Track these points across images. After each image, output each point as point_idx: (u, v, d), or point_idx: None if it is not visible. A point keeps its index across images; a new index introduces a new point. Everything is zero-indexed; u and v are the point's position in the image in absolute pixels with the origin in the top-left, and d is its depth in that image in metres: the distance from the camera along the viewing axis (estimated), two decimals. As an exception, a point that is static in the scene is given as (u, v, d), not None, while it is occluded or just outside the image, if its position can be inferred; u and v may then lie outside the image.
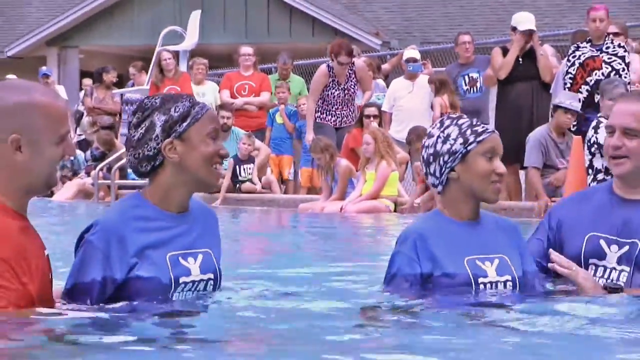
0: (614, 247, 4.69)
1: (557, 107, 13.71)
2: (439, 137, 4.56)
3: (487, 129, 4.56)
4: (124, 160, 18.23)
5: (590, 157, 12.40)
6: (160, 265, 4.18)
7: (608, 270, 4.69)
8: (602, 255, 4.72)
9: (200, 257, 4.32)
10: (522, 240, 4.80)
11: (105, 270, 4.11)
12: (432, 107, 15.48)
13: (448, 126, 4.58)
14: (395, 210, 14.29)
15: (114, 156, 18.68)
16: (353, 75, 15.93)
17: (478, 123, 4.59)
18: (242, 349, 3.61)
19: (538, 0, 25.78)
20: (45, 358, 3.56)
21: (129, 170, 18.81)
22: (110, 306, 4.12)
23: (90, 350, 3.60)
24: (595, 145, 12.28)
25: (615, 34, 13.75)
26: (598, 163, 12.30)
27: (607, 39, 13.42)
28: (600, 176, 12.34)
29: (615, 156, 4.70)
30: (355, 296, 4.86)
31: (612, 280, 4.64)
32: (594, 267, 4.73)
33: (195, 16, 22.46)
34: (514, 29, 14.71)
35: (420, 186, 14.07)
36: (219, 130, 4.33)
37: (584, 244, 4.76)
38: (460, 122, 4.58)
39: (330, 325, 4.04)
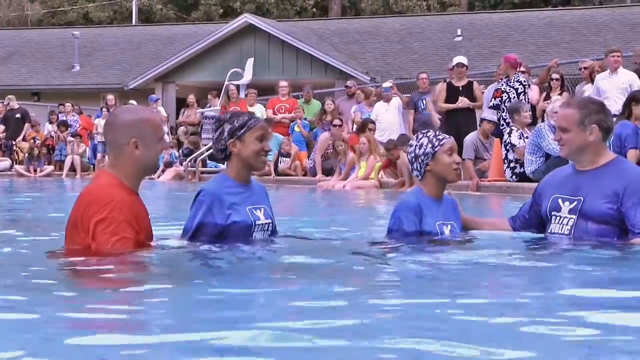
0: (567, 203, 4.69)
1: (482, 120, 13.73)
2: (416, 145, 4.75)
3: (446, 137, 4.76)
4: (204, 155, 18.28)
5: (505, 152, 12.37)
6: (245, 214, 4.44)
7: (561, 218, 4.71)
8: (558, 209, 4.72)
9: (262, 209, 4.56)
10: (459, 212, 4.94)
11: (208, 217, 4.38)
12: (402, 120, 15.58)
13: (421, 138, 4.76)
14: (380, 186, 14.27)
15: (198, 152, 18.67)
16: None
17: (439, 133, 4.78)
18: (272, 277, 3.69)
19: (471, 50, 25.72)
20: (157, 275, 3.70)
21: (208, 161, 18.91)
22: (202, 246, 4.30)
23: (184, 270, 3.76)
24: (509, 145, 12.25)
25: (522, 72, 13.69)
26: (511, 156, 12.27)
27: (515, 76, 13.26)
28: (512, 164, 12.30)
29: (560, 145, 4.78)
30: (361, 242, 4.97)
31: (562, 225, 4.68)
32: (554, 217, 4.75)
33: (250, 62, 22.46)
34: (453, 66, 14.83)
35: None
36: (266, 134, 4.57)
37: (549, 203, 4.78)
38: (428, 134, 4.78)
39: (342, 260, 4.09)
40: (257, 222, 4.48)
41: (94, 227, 3.83)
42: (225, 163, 4.63)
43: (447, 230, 4.74)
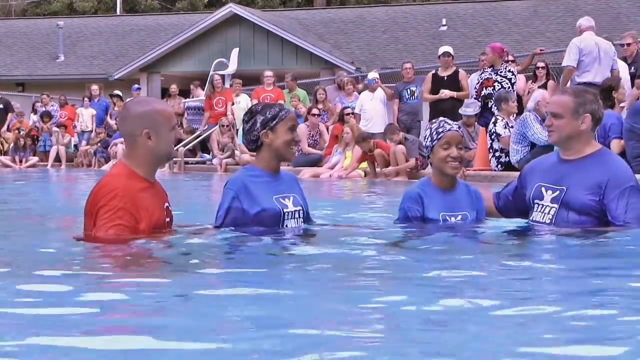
0: (549, 192, 4.71)
1: (462, 115, 13.78)
2: (424, 135, 4.86)
3: (446, 129, 4.74)
4: (189, 145, 18.23)
5: (490, 141, 12.39)
6: (272, 203, 4.53)
7: (543, 206, 4.74)
8: (541, 197, 4.75)
9: (291, 197, 4.64)
10: (480, 202, 4.94)
11: (234, 203, 4.48)
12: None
13: (427, 128, 4.84)
14: (365, 176, 14.28)
15: (181, 144, 18.62)
16: None
17: (442, 125, 4.77)
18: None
19: (456, 40, 25.72)
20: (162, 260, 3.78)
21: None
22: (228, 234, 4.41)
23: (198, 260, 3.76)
24: (494, 134, 12.27)
25: (512, 61, 13.71)
26: (496, 145, 12.29)
27: (502, 65, 13.29)
28: (497, 154, 12.33)
29: (549, 131, 4.79)
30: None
31: (544, 214, 4.70)
32: (536, 205, 4.77)
33: (235, 52, 22.45)
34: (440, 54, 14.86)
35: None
36: (296, 125, 4.66)
37: (532, 190, 4.81)
38: (432, 126, 4.83)
39: (352, 252, 4.10)
40: (285, 210, 4.56)
41: (96, 213, 4.00)
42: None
43: (454, 221, 4.78)
